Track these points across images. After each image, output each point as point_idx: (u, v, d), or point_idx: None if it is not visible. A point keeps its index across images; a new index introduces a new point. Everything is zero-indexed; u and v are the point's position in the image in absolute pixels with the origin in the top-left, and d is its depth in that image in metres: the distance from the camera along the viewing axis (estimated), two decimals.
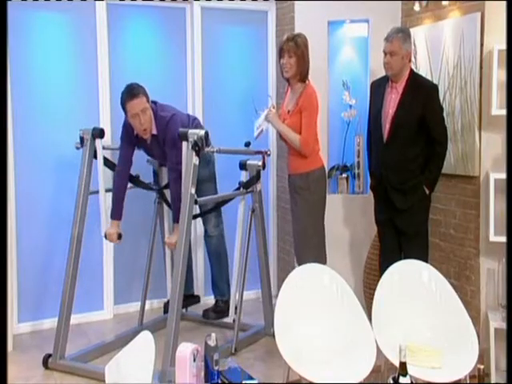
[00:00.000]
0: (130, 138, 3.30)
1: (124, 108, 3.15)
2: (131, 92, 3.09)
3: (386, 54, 3.10)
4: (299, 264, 3.08)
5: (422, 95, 3.05)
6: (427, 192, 3.10)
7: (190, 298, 3.68)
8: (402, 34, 3.08)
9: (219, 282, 3.64)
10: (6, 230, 2.47)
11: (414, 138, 3.07)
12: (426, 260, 2.93)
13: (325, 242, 3.30)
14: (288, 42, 3.17)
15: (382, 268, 3.31)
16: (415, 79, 3.12)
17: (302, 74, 3.19)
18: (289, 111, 3.23)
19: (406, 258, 3.12)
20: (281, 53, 3.21)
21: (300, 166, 3.24)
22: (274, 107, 3.30)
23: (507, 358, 2.02)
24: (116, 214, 3.29)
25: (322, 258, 3.21)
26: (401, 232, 3.19)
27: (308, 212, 3.23)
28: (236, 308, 3.33)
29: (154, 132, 3.22)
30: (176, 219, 3.05)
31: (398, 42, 3.05)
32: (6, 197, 2.26)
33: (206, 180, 3.43)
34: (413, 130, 3.06)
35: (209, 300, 4.07)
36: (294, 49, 3.14)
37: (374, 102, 3.25)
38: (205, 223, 3.59)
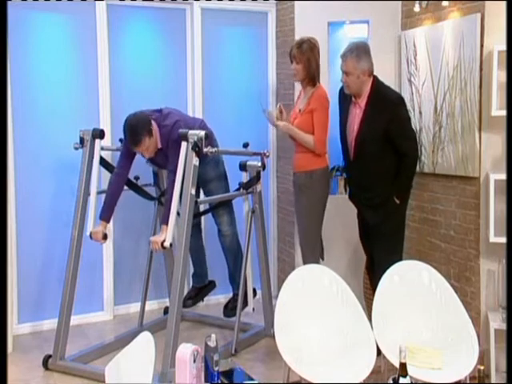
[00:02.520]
0: (133, 153, 3.26)
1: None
2: (134, 137, 3.07)
3: (342, 72, 3.05)
4: (304, 262, 3.25)
5: (385, 110, 2.98)
6: (397, 202, 3.03)
7: (204, 288, 3.69)
8: (356, 53, 2.98)
9: (237, 277, 3.53)
10: (6, 230, 2.47)
11: (381, 153, 3.01)
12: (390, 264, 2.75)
13: (321, 240, 3.38)
14: (294, 48, 3.28)
15: (368, 277, 3.35)
16: (378, 93, 3.02)
17: (311, 78, 3.27)
18: (300, 110, 3.30)
19: (374, 259, 3.16)
20: (290, 58, 3.32)
21: (305, 164, 3.28)
22: (278, 117, 3.34)
23: (507, 359, 2.02)
24: (105, 215, 3.24)
25: (317, 255, 3.32)
26: (373, 241, 3.19)
27: (310, 210, 3.28)
28: (255, 293, 3.44)
29: (159, 146, 3.20)
30: (165, 221, 3.02)
31: (352, 62, 2.98)
32: (6, 197, 2.25)
33: (216, 179, 3.44)
34: (378, 146, 3.00)
35: (210, 301, 4.07)
36: (300, 55, 3.24)
37: (341, 114, 3.20)
38: (218, 223, 3.53)
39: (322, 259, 3.38)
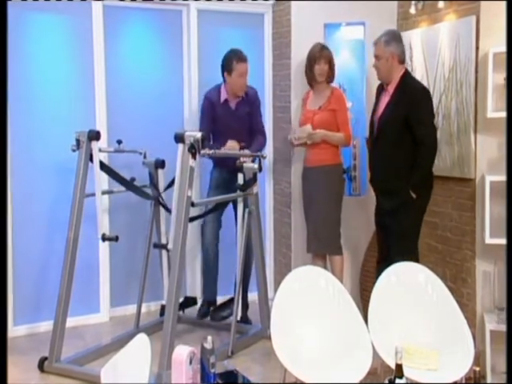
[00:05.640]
0: (213, 111, 3.60)
1: (230, 67, 3.51)
2: (243, 55, 3.55)
3: (375, 57, 3.20)
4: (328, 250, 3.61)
5: (407, 97, 3.07)
6: (413, 196, 3.05)
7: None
8: (385, 37, 3.16)
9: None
10: (6, 230, 2.46)
11: (399, 139, 3.09)
12: None
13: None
14: (321, 50, 3.55)
15: (377, 270, 3.34)
16: (406, 82, 3.13)
17: (331, 78, 3.61)
18: (320, 107, 3.56)
19: (390, 261, 3.15)
20: (315, 60, 3.54)
21: (330, 158, 3.55)
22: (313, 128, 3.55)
23: (507, 359, 2.02)
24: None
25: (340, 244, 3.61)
26: (387, 233, 3.22)
27: (338, 200, 3.58)
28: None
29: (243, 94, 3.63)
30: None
31: (381, 46, 3.15)
32: (5, 198, 2.25)
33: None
34: (397, 131, 3.09)
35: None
36: (328, 56, 3.56)
37: (374, 105, 3.34)
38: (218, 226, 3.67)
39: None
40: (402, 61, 3.18)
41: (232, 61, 3.52)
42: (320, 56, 3.53)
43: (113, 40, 3.85)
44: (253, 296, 3.75)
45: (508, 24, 2.59)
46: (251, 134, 3.68)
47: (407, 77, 3.16)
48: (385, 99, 3.20)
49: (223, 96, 3.60)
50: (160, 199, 3.61)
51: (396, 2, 3.76)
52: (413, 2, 3.49)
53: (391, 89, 3.16)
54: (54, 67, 3.70)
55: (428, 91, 3.16)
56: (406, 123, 3.05)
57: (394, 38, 3.15)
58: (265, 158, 3.45)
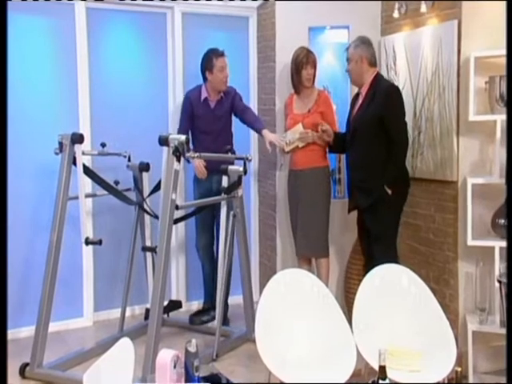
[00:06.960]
0: (192, 110, 3.67)
1: (211, 64, 3.60)
2: (220, 50, 3.64)
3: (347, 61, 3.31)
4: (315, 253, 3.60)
5: (379, 96, 3.14)
6: (389, 192, 3.10)
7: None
8: (355, 42, 3.31)
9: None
10: (6, 231, 2.41)
11: (373, 138, 3.15)
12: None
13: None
14: (311, 55, 3.58)
15: (364, 273, 3.38)
16: (377, 83, 3.21)
17: (314, 81, 3.64)
18: (309, 110, 3.60)
19: (370, 262, 3.19)
20: (302, 65, 3.55)
21: (320, 160, 3.60)
22: (307, 132, 3.56)
23: (507, 359, 2.03)
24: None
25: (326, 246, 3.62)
26: (368, 233, 3.27)
27: (328, 201, 3.61)
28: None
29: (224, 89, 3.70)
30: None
31: (352, 49, 3.27)
32: (5, 199, 2.22)
33: None
34: (370, 131, 3.15)
35: (192, 306, 4.07)
36: (315, 61, 3.60)
37: (349, 109, 3.41)
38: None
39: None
40: (373, 64, 3.26)
41: (211, 58, 3.61)
42: (307, 61, 3.56)
43: (96, 42, 3.82)
44: (238, 299, 3.75)
45: (508, 24, 2.59)
46: (243, 121, 3.77)
47: (378, 78, 3.24)
48: (360, 101, 3.27)
49: (203, 95, 3.67)
50: (144, 204, 3.59)
51: (379, 6, 3.79)
52: (396, 7, 3.53)
53: (364, 91, 3.23)
54: (36, 69, 3.66)
55: (398, 89, 3.22)
56: (379, 122, 3.11)
57: (362, 42, 3.26)
58: (250, 160, 3.46)
